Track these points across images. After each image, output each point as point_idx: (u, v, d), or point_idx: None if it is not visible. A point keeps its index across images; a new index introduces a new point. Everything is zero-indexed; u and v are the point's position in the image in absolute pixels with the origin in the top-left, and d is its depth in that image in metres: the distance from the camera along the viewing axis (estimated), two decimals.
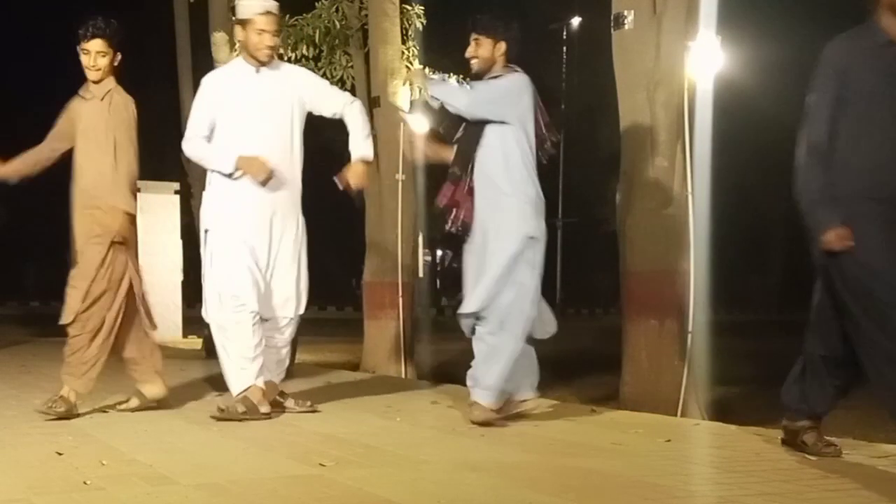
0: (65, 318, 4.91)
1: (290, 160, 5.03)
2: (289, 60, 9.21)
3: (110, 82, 5.01)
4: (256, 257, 4.92)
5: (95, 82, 4.97)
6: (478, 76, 4.82)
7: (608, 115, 6.47)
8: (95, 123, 4.94)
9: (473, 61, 4.84)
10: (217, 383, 6.50)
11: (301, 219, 5.11)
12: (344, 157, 5.12)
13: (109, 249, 4.90)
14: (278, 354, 5.18)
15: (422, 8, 9.45)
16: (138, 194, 5.08)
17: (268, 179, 4.88)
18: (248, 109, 4.96)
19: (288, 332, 5.17)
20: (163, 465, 3.59)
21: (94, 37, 4.91)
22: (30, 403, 5.40)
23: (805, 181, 3.67)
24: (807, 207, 3.66)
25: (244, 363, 4.88)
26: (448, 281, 30.63)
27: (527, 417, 4.89)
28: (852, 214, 3.57)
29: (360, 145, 5.08)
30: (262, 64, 5.00)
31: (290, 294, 5.08)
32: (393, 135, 8.46)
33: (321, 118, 5.17)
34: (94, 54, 4.92)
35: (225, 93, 5.02)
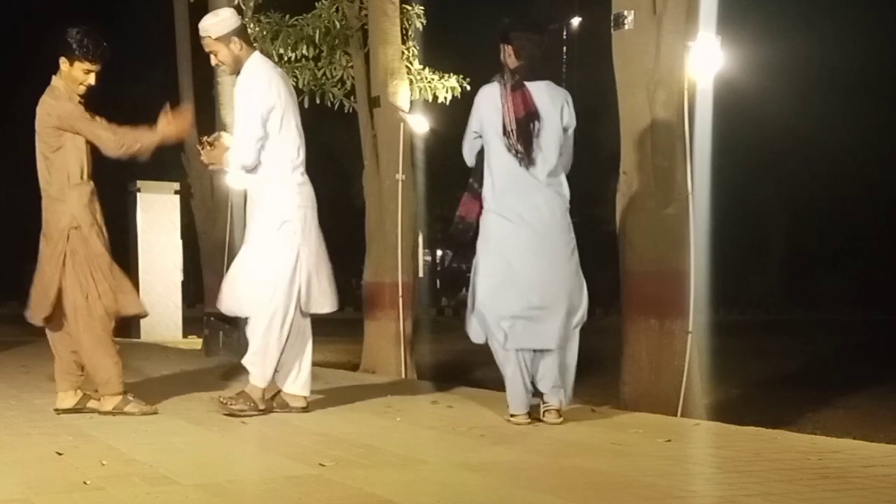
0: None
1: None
2: (289, 60, 9.22)
3: None
4: None
5: (82, 98, 4.94)
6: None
7: (608, 115, 6.45)
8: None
9: None
10: (216, 383, 6.50)
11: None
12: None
13: None
14: None
15: (422, 8, 9.46)
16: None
17: None
18: None
19: None
20: (163, 465, 3.59)
21: (103, 60, 4.90)
22: (30, 403, 5.42)
23: None
24: None
25: None
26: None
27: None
28: None
29: None
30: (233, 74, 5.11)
31: None
32: (393, 135, 8.45)
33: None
34: (95, 76, 4.91)
35: None
